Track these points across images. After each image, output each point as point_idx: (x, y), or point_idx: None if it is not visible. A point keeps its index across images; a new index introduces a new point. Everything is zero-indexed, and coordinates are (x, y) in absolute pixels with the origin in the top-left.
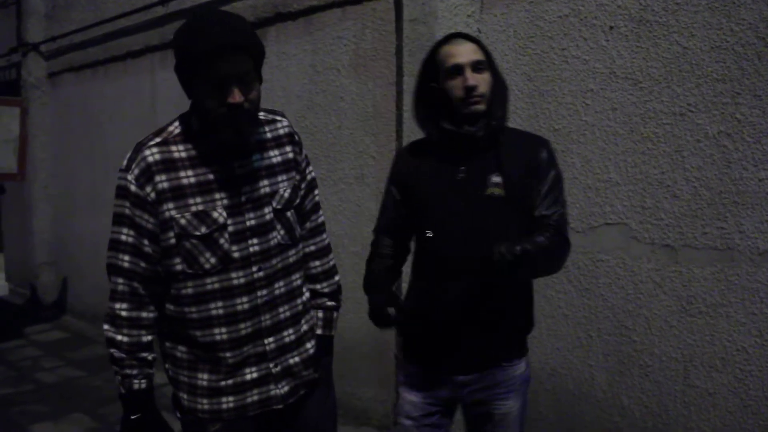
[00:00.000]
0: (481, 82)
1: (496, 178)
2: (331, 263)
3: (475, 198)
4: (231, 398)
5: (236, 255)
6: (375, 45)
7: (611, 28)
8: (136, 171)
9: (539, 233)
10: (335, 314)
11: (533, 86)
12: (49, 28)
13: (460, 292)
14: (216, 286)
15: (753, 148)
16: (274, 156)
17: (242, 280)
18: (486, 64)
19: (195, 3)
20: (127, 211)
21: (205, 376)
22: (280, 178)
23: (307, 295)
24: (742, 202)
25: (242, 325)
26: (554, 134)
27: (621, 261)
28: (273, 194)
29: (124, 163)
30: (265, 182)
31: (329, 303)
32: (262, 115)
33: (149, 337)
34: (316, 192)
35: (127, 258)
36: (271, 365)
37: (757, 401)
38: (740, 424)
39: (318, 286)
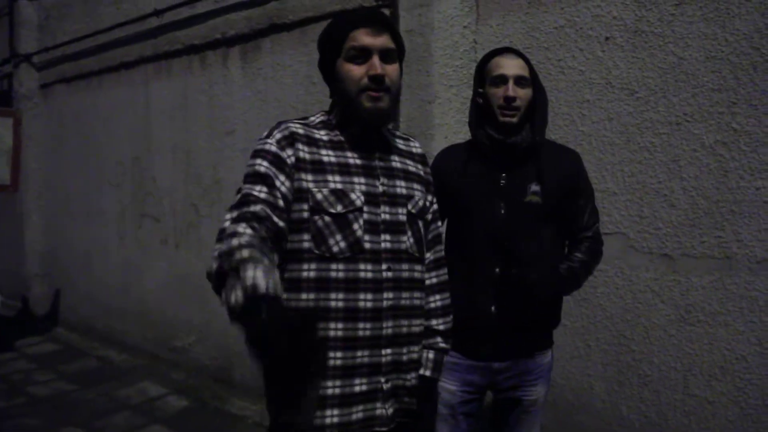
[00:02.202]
0: (521, 95)
1: (535, 187)
2: (449, 300)
3: (516, 204)
4: (336, 411)
5: (367, 246)
6: None
7: (607, 38)
8: (278, 135)
9: (578, 249)
10: (444, 358)
11: None
12: (41, 39)
13: (497, 293)
14: (341, 275)
15: (750, 157)
16: (410, 165)
17: (369, 275)
18: (529, 81)
19: (190, 14)
20: (263, 168)
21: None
22: (416, 186)
23: (423, 322)
24: (739, 211)
25: (361, 325)
26: None
27: (619, 270)
28: (409, 198)
29: (265, 133)
30: (402, 183)
31: (442, 345)
32: (397, 132)
33: (269, 256)
34: (440, 224)
35: (258, 207)
36: (383, 380)
37: (757, 410)
38: None
39: (434, 322)
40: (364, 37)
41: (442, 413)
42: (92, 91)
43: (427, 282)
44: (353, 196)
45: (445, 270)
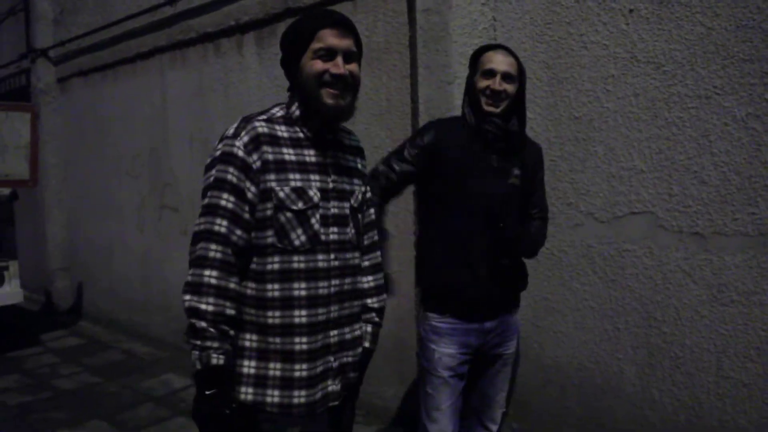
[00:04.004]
0: (507, 90)
1: (517, 171)
2: (382, 281)
3: (505, 184)
4: (303, 392)
5: (323, 238)
6: (387, 37)
7: (631, 11)
8: (246, 138)
9: (531, 224)
10: (379, 330)
11: (551, 74)
12: (57, 33)
13: (489, 261)
14: (302, 266)
15: None
16: (351, 160)
17: (324, 264)
18: (516, 79)
19: (204, 2)
20: (230, 176)
21: (278, 365)
22: (356, 181)
23: (360, 302)
24: None
25: (320, 311)
26: (574, 122)
27: (648, 251)
28: (352, 192)
29: (231, 131)
30: (346, 179)
31: (377, 319)
32: (341, 126)
33: (233, 311)
34: (372, 210)
35: (225, 223)
36: (332, 359)
37: None
38: None
39: (369, 301)
40: (331, 38)
41: (442, 376)
42: (108, 83)
43: (362, 264)
44: (311, 193)
45: (377, 253)
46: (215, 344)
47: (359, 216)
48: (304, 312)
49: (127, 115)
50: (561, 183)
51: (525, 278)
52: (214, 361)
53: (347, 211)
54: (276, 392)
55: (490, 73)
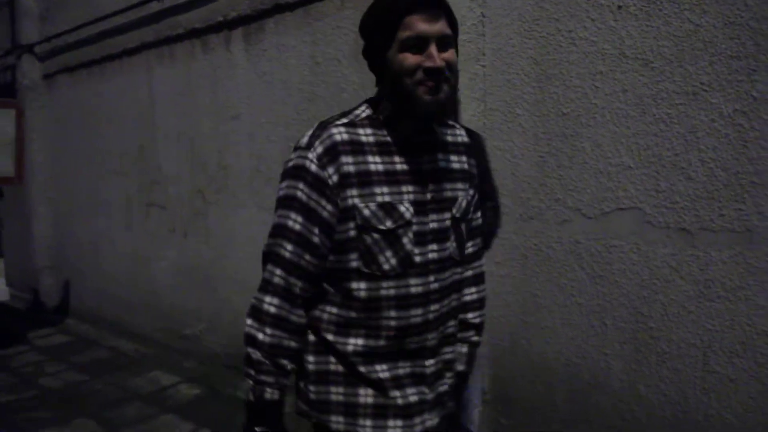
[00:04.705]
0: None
1: None
2: (485, 293)
3: None
4: (399, 422)
5: (417, 259)
6: None
7: (619, 7)
8: (320, 149)
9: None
10: (476, 351)
11: (540, 70)
12: (43, 29)
13: None
14: (392, 292)
15: None
16: (454, 162)
17: (420, 289)
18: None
19: None
20: (299, 193)
21: (370, 392)
22: (458, 186)
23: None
24: (760, 183)
25: (408, 340)
26: (563, 118)
27: (635, 246)
28: (453, 200)
29: (304, 140)
30: (447, 186)
31: (475, 338)
32: (443, 120)
33: (293, 344)
34: (479, 214)
35: (290, 247)
36: (427, 391)
37: None
38: (762, 409)
39: (470, 315)
40: (420, 24)
41: None
42: (95, 79)
43: (464, 275)
44: (402, 208)
45: (482, 262)
46: (270, 379)
47: (462, 226)
48: (392, 342)
49: (115, 112)
50: (549, 179)
51: None
52: (267, 396)
53: (447, 223)
54: (368, 422)
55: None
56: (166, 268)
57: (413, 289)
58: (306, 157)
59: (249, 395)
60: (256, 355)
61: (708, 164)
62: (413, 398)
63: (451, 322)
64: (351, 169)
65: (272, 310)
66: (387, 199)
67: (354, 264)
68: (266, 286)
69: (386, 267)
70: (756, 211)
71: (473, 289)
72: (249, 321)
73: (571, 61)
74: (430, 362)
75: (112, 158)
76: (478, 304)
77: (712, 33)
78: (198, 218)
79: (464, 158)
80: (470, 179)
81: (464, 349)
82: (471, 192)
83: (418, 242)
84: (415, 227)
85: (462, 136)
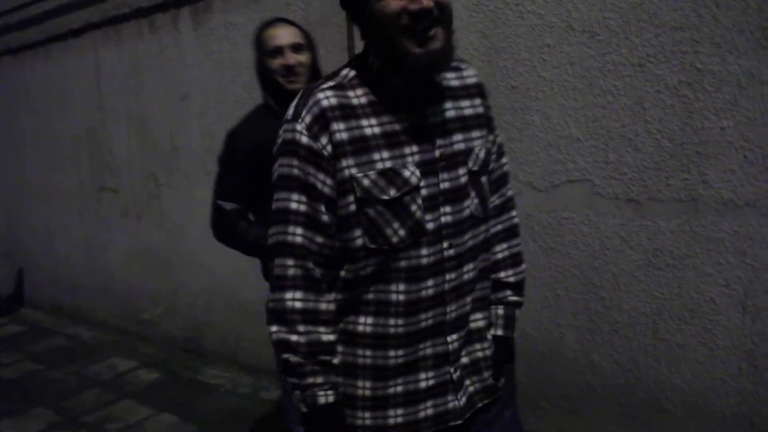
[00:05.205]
0: (301, 61)
1: None
2: (519, 247)
3: None
4: (400, 411)
5: (429, 226)
6: (324, 10)
7: None
8: (308, 119)
9: None
10: (517, 313)
11: (489, 44)
12: None
13: None
14: (402, 264)
15: (714, 97)
16: (466, 107)
17: (431, 259)
18: (305, 46)
19: None
20: (295, 170)
21: (368, 384)
22: (474, 134)
23: (489, 280)
24: (704, 152)
25: (423, 316)
26: (512, 91)
27: (586, 218)
28: (468, 152)
29: (291, 111)
30: (459, 137)
31: (513, 298)
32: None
33: (331, 336)
34: (505, 160)
35: (299, 231)
36: (451, 369)
37: (725, 351)
38: (710, 374)
39: (502, 274)
40: None
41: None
42: (40, 61)
43: (492, 230)
44: (406, 173)
45: (512, 213)
46: (318, 380)
47: (484, 179)
48: (401, 320)
49: (62, 94)
50: None
51: None
52: (322, 401)
53: (463, 180)
54: (367, 414)
55: (278, 51)
56: (121, 252)
57: (424, 260)
58: (295, 130)
59: (301, 407)
60: (294, 359)
61: (654, 135)
62: (424, 384)
63: (480, 285)
64: (344, 136)
65: (297, 305)
66: (388, 165)
67: (359, 241)
68: (282, 282)
69: (395, 240)
70: (701, 180)
71: (504, 246)
72: (274, 327)
73: (519, 34)
74: (452, 338)
75: (61, 142)
76: (511, 261)
77: (657, 5)
78: (151, 201)
79: (477, 101)
80: (487, 124)
81: (500, 310)
82: (490, 138)
83: (428, 207)
84: (423, 191)
85: (471, 77)
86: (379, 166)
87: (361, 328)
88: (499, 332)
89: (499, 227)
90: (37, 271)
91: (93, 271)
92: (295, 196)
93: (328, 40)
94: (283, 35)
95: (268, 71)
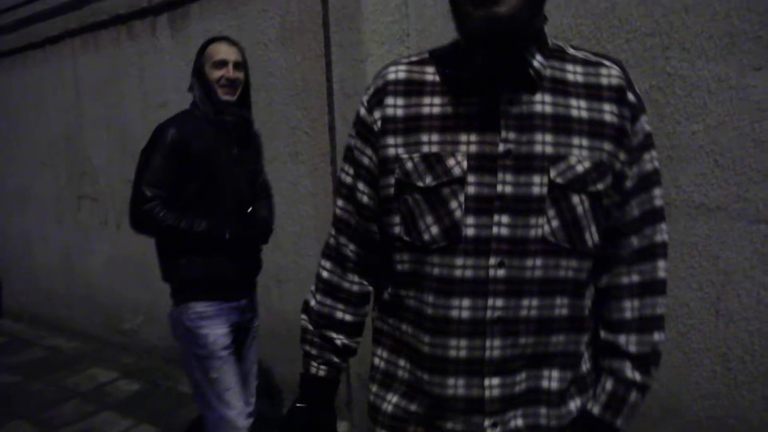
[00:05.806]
0: (240, 78)
1: (253, 157)
2: (658, 311)
3: (246, 171)
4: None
5: (470, 232)
6: (301, 17)
7: None
8: (371, 90)
9: (260, 204)
10: (634, 396)
11: None
12: None
13: (244, 246)
14: (434, 271)
15: (685, 102)
16: (579, 108)
17: (468, 273)
18: (242, 67)
19: None
20: (352, 141)
21: (394, 399)
22: (577, 141)
23: (579, 337)
24: (676, 156)
25: (453, 342)
26: None
27: None
28: (555, 159)
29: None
30: (547, 138)
31: (629, 374)
32: (580, 54)
33: (348, 317)
34: (656, 193)
35: (340, 203)
36: (486, 422)
37: (699, 353)
38: (684, 377)
39: (622, 339)
40: None
41: (222, 356)
42: (17, 69)
43: (620, 281)
44: (450, 162)
45: (658, 264)
46: (314, 351)
47: (578, 199)
48: (427, 339)
49: (40, 101)
50: None
51: (261, 260)
52: (312, 371)
53: (537, 190)
54: None
55: (222, 63)
56: (100, 261)
57: (458, 272)
58: (361, 102)
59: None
60: (304, 322)
61: None
62: (450, 425)
63: (559, 338)
64: (398, 112)
65: (324, 274)
66: (435, 149)
67: (396, 230)
68: (324, 249)
69: (426, 237)
70: (673, 184)
71: (636, 303)
72: (313, 285)
73: None
74: (493, 382)
75: (39, 150)
76: (639, 324)
77: (627, 11)
78: None
79: (608, 107)
80: (616, 137)
81: (608, 385)
82: (620, 157)
83: (475, 210)
84: (471, 189)
85: (613, 77)
86: (425, 149)
87: (404, 337)
88: (595, 410)
89: (635, 277)
90: (15, 280)
91: (72, 281)
92: (346, 167)
93: (305, 47)
94: (230, 52)
95: (207, 80)
